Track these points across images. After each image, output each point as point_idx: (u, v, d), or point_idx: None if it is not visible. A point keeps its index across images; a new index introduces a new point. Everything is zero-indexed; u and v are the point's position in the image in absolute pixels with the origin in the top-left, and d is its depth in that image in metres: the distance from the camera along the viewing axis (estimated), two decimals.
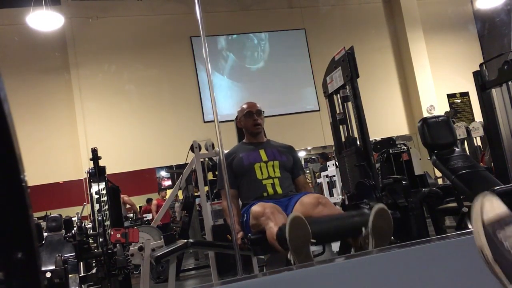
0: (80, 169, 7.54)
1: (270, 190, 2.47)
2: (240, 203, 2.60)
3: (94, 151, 3.46)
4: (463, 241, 0.90)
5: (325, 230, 2.04)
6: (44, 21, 7.32)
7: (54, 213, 5.49)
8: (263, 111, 2.68)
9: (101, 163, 3.55)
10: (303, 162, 10.22)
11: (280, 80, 9.32)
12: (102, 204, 3.48)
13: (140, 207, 10.62)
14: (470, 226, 3.06)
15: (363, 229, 1.92)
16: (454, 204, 3.40)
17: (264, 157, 2.57)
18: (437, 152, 3.67)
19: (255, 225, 2.26)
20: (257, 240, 2.23)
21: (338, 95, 3.31)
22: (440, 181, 5.72)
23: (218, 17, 8.89)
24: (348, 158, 3.17)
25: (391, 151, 4.19)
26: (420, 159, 4.33)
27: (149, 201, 10.27)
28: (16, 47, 8.02)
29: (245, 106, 2.70)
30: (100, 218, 3.09)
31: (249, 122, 2.63)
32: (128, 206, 8.64)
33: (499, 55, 4.98)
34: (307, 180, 2.83)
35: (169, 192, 11.14)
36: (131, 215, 8.58)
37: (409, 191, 3.20)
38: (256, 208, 2.26)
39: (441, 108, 9.12)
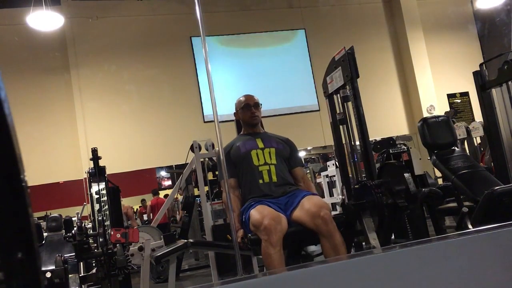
0: (80, 169, 7.55)
1: (266, 177, 2.49)
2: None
3: (94, 151, 3.46)
4: (463, 241, 0.90)
5: None
6: (44, 21, 7.32)
7: (54, 213, 5.50)
8: (261, 104, 2.72)
9: (101, 163, 3.56)
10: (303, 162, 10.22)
11: (280, 80, 9.33)
12: (102, 204, 3.48)
13: (137, 209, 10.58)
14: (470, 226, 3.06)
15: None
16: (454, 204, 3.40)
17: (261, 144, 2.61)
18: (437, 152, 3.66)
19: (254, 231, 2.28)
20: (257, 240, 2.23)
21: (338, 95, 3.31)
22: (440, 181, 5.71)
23: (218, 17, 8.89)
24: None
25: (391, 151, 4.19)
26: (420, 159, 4.33)
27: (143, 201, 10.24)
28: (16, 47, 8.02)
29: (242, 98, 2.74)
30: (100, 218, 3.09)
31: (246, 114, 2.68)
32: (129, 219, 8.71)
33: (499, 55, 4.98)
34: (305, 173, 2.86)
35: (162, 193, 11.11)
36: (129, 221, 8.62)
37: (409, 191, 3.19)
38: (255, 215, 2.26)
39: (441, 108, 9.12)
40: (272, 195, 2.45)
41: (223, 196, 2.62)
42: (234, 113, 2.81)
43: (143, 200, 10.24)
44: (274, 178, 2.49)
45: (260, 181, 2.48)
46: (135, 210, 10.17)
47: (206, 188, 4.44)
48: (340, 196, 5.56)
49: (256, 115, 2.68)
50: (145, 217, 9.12)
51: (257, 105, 2.69)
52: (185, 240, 3.06)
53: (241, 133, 2.80)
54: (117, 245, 2.52)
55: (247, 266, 3.40)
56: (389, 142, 4.44)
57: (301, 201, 2.34)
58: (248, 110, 2.67)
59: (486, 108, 4.05)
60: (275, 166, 2.53)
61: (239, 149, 2.60)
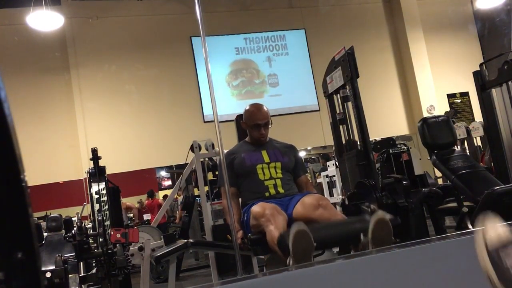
0: (80, 169, 7.55)
1: (272, 190, 2.46)
2: (241, 201, 2.60)
3: (94, 151, 3.46)
4: (463, 241, 0.90)
5: (326, 237, 2.06)
6: (44, 21, 7.31)
7: (54, 213, 5.50)
8: (271, 123, 2.62)
9: (101, 163, 3.56)
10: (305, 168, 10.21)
11: (280, 80, 9.33)
12: (102, 204, 3.48)
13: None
14: (470, 226, 3.06)
15: (362, 236, 1.93)
16: (454, 204, 3.40)
17: (266, 159, 2.55)
18: (437, 152, 3.67)
19: (255, 225, 2.27)
20: (257, 240, 2.23)
21: (338, 95, 3.31)
22: (440, 181, 5.71)
23: (218, 17, 8.89)
24: (348, 160, 3.15)
25: (391, 151, 4.19)
26: (420, 159, 4.33)
27: (139, 202, 10.25)
28: (16, 47, 8.01)
29: (253, 112, 2.61)
30: (100, 218, 3.09)
31: (255, 133, 2.59)
32: (130, 214, 8.73)
33: (499, 55, 4.98)
34: (309, 179, 2.83)
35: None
36: (130, 222, 8.64)
37: (409, 191, 3.19)
38: (256, 208, 2.26)
39: (441, 108, 9.12)
40: (275, 198, 2.45)
41: (223, 202, 2.60)
42: (242, 121, 2.71)
43: (139, 202, 10.26)
44: (281, 190, 2.48)
45: (266, 194, 2.46)
46: None
47: (206, 188, 4.44)
48: (340, 196, 5.56)
49: (265, 135, 2.60)
50: (145, 216, 9.13)
51: (267, 124, 2.59)
52: (185, 240, 3.06)
53: (246, 140, 2.72)
54: (117, 245, 2.52)
55: (247, 266, 3.40)
56: (389, 142, 4.45)
57: (302, 199, 2.35)
58: (257, 129, 2.58)
59: (486, 108, 4.05)
60: (281, 180, 2.51)
61: (244, 162, 2.54)
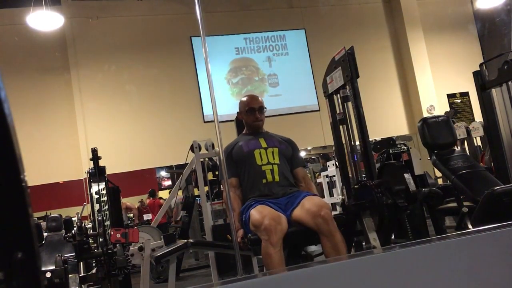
0: (80, 169, 7.55)
1: (269, 176, 2.49)
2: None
3: (94, 151, 3.46)
4: (463, 241, 0.90)
5: None
6: (44, 21, 7.32)
7: (54, 213, 5.50)
8: (265, 108, 2.71)
9: (101, 163, 3.56)
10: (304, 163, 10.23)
11: (280, 80, 9.33)
12: (102, 204, 3.48)
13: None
14: (470, 226, 3.06)
15: None
16: (454, 204, 3.40)
17: (264, 144, 2.61)
18: (437, 152, 3.66)
19: (254, 230, 2.28)
20: (257, 240, 2.23)
21: (338, 95, 3.31)
22: (440, 181, 5.71)
23: (218, 17, 8.89)
24: None
25: (391, 151, 4.20)
26: (420, 159, 4.33)
27: (140, 202, 10.26)
28: (16, 47, 8.01)
29: (247, 100, 2.71)
30: (100, 218, 3.09)
31: (250, 118, 2.68)
32: (130, 214, 8.74)
33: (499, 55, 4.98)
34: (307, 173, 2.85)
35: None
36: (130, 222, 8.65)
37: (411, 192, 3.19)
38: (255, 215, 2.26)
39: (441, 108, 9.12)
40: (273, 195, 2.44)
41: (224, 195, 2.62)
42: (238, 113, 2.79)
43: (140, 201, 10.27)
44: (277, 178, 2.49)
45: (264, 180, 2.48)
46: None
47: (206, 188, 4.44)
48: (340, 196, 5.56)
49: (260, 119, 2.68)
50: (145, 216, 9.14)
51: (261, 109, 2.68)
52: (185, 240, 3.06)
53: (244, 132, 2.79)
54: (117, 245, 2.52)
55: (247, 266, 3.40)
56: (389, 142, 4.45)
57: (302, 201, 2.34)
58: (252, 114, 2.66)
59: (486, 108, 4.05)
60: (278, 166, 2.53)
61: (241, 148, 2.60)
